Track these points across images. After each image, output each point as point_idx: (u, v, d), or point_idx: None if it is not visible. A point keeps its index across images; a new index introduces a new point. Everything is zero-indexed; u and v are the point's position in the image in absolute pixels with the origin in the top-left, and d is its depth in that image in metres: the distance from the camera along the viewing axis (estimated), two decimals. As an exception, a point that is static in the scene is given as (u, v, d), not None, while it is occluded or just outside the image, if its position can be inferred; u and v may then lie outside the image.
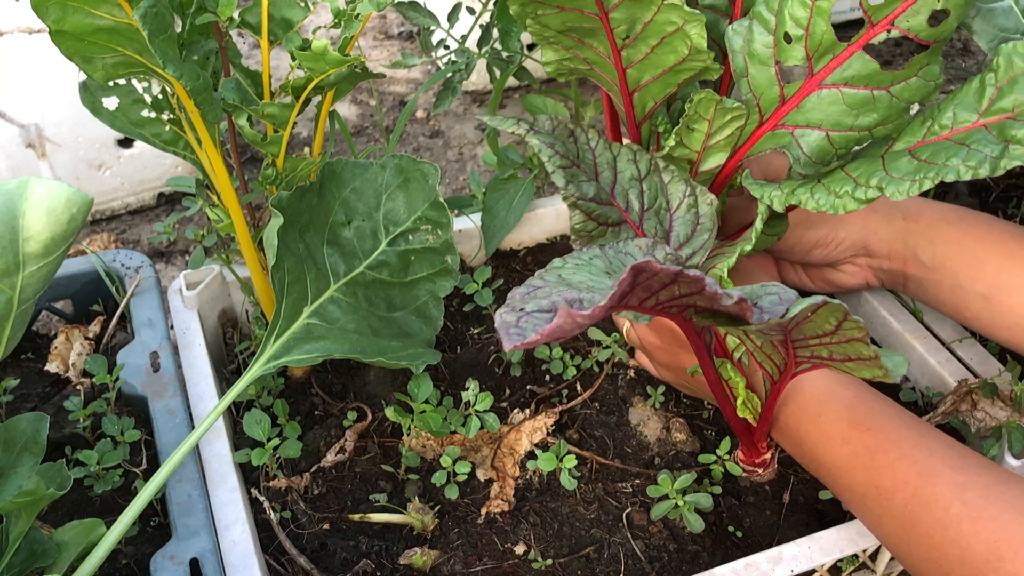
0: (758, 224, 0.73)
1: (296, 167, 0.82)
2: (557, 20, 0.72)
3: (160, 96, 0.80)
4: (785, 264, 0.92)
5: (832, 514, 0.79)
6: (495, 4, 1.04)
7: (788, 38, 0.69)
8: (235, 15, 0.71)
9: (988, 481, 0.61)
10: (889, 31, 0.67)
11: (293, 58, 0.73)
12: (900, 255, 0.83)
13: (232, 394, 0.77)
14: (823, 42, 0.68)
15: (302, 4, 0.76)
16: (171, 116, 0.80)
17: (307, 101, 0.77)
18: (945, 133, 0.68)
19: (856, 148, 0.73)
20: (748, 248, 0.72)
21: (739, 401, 0.72)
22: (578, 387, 0.90)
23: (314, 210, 0.85)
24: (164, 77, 0.70)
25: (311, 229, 0.85)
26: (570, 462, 0.80)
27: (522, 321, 0.48)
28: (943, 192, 1.12)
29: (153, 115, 0.80)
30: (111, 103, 0.81)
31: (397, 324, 0.87)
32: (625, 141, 0.77)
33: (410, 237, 0.89)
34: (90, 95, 0.82)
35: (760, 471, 0.79)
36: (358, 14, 0.73)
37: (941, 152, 0.67)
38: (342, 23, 0.74)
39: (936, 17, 0.66)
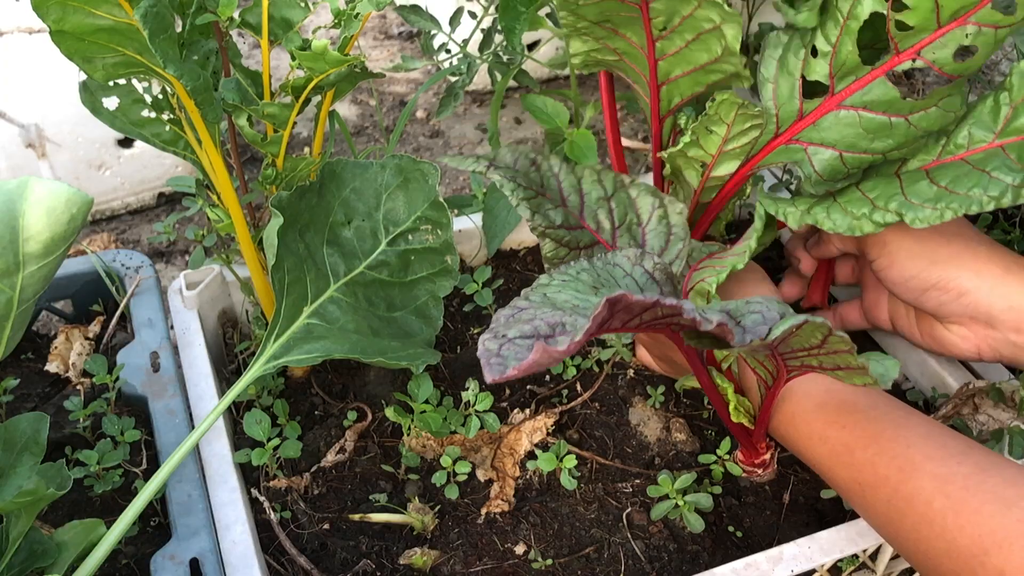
0: (752, 243, 0.73)
1: (296, 167, 0.82)
2: (595, 11, 0.72)
3: (160, 96, 0.80)
4: (899, 308, 0.83)
5: (832, 514, 0.79)
6: (498, 5, 1.04)
7: (815, 52, 0.69)
8: (235, 15, 0.71)
9: (969, 470, 0.61)
10: (914, 60, 0.66)
11: (293, 58, 0.73)
12: None
13: (232, 394, 0.77)
14: (847, 63, 0.68)
15: (302, 4, 0.76)
16: (171, 116, 0.80)
17: (307, 101, 0.77)
18: (961, 153, 0.68)
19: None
20: (740, 265, 0.71)
21: (731, 407, 0.72)
22: (578, 387, 0.90)
23: (314, 210, 0.85)
24: (164, 77, 0.70)
25: (311, 229, 0.85)
26: (570, 462, 0.80)
27: (503, 349, 0.49)
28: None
29: (153, 115, 0.80)
30: (111, 103, 0.81)
31: (397, 324, 0.87)
32: (588, 163, 0.78)
33: (410, 237, 0.89)
34: (90, 95, 0.82)
35: (760, 471, 0.79)
36: (358, 13, 0.73)
37: (962, 179, 0.66)
38: (341, 23, 0.74)
39: (963, 53, 0.65)
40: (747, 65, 0.73)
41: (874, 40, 0.67)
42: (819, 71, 0.69)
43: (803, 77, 0.71)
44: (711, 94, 0.75)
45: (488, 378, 0.47)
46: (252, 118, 0.78)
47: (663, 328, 0.59)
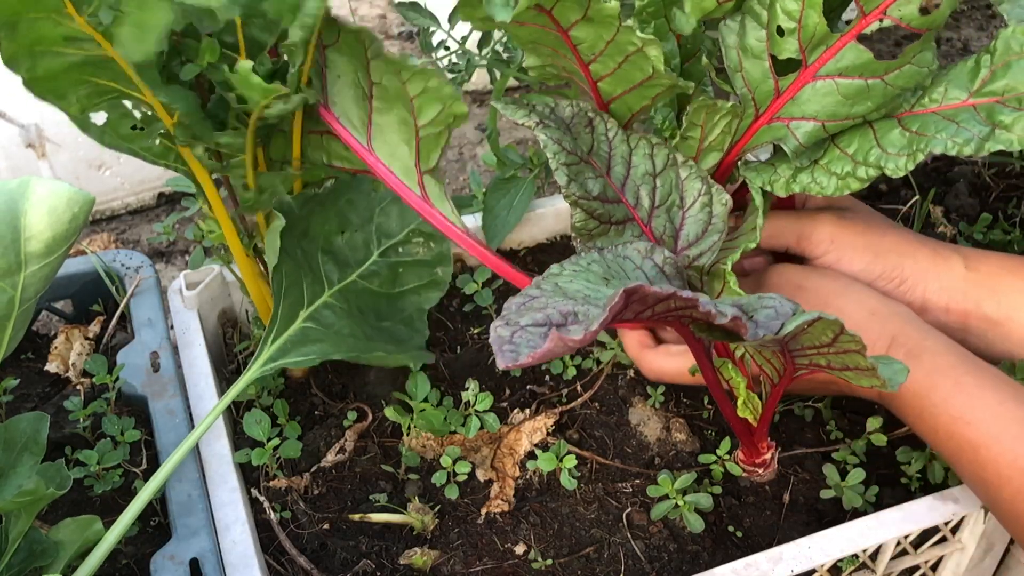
0: (759, 220, 0.73)
1: (273, 183, 0.79)
2: (526, 33, 0.71)
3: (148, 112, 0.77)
4: None
5: (832, 514, 0.79)
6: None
7: (781, 31, 0.70)
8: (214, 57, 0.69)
9: None
10: (881, 20, 0.67)
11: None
12: (960, 308, 0.78)
13: (230, 396, 0.77)
14: (816, 34, 0.68)
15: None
16: (162, 130, 0.77)
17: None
18: (933, 107, 0.70)
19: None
20: (752, 245, 0.71)
21: (740, 401, 0.72)
22: (578, 387, 0.90)
23: (311, 218, 0.86)
24: (140, 100, 0.69)
25: (309, 236, 0.86)
26: (570, 462, 0.80)
27: (516, 336, 0.48)
28: (943, 193, 1.12)
29: (143, 128, 0.78)
30: (99, 118, 0.78)
31: (388, 332, 0.88)
32: (647, 135, 0.76)
33: (400, 249, 0.90)
34: None
35: (760, 471, 0.79)
36: (291, 40, 0.67)
37: (931, 124, 0.68)
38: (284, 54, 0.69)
39: (927, 7, 0.66)
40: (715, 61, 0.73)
41: (827, 9, 0.69)
42: (789, 48, 0.70)
43: (772, 56, 0.71)
44: (664, 102, 0.75)
45: (501, 365, 0.46)
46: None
47: (674, 321, 0.59)
